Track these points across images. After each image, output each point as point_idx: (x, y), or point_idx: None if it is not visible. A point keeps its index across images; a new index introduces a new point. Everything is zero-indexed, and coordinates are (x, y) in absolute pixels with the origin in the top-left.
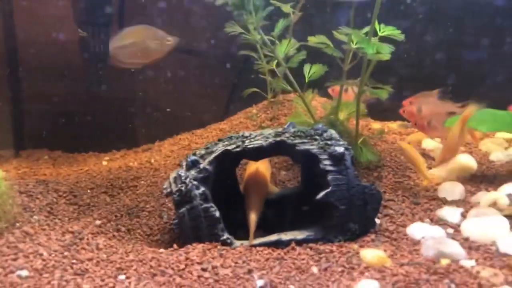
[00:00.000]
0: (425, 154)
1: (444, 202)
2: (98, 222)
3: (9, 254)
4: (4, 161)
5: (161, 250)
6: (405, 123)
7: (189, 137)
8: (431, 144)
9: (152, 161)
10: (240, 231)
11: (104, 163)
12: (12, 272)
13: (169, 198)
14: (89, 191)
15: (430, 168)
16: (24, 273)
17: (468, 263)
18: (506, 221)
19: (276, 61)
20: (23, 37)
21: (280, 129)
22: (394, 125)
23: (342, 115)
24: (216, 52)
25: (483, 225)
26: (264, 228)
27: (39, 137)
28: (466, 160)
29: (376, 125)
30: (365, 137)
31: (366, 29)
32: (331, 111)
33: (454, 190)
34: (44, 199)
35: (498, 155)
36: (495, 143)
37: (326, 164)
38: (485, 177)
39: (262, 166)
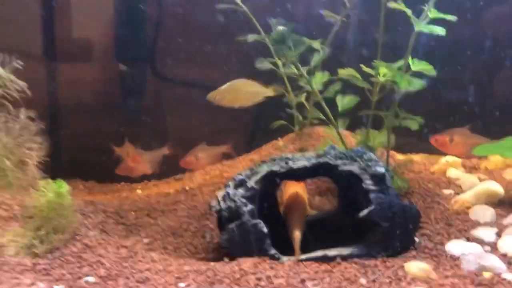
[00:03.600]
0: (450, 183)
1: (477, 224)
2: (146, 240)
3: (74, 263)
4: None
5: (213, 263)
6: (410, 158)
7: (219, 167)
8: (456, 173)
9: (187, 188)
10: (280, 250)
11: (138, 191)
12: (80, 278)
13: (210, 219)
14: (133, 213)
15: (458, 194)
16: (91, 279)
17: (510, 276)
18: None
19: (304, 94)
20: (64, 77)
21: (321, 152)
22: (416, 157)
23: (373, 145)
24: None
25: None
26: (303, 247)
27: (72, 168)
28: (493, 186)
29: (400, 156)
30: (394, 166)
31: (399, 63)
32: (362, 141)
33: (485, 213)
34: (95, 218)
35: None
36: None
37: (368, 183)
38: (511, 202)
39: (300, 189)
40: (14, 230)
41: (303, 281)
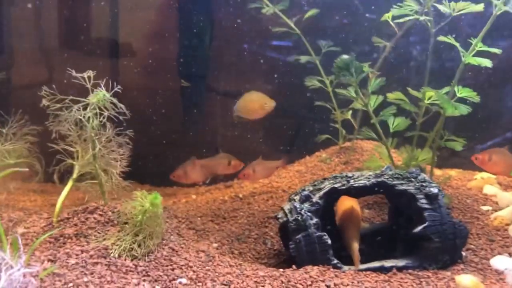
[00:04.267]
0: (487, 199)
1: None
2: (215, 245)
3: (167, 265)
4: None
5: (283, 270)
6: (448, 174)
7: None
8: (492, 190)
9: (240, 196)
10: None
11: (193, 196)
12: (174, 279)
13: (269, 227)
14: (199, 218)
15: (495, 211)
16: (184, 281)
17: None
18: None
19: (350, 111)
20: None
21: (378, 171)
22: (452, 172)
23: (416, 163)
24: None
25: None
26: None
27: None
28: None
29: (438, 171)
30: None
31: (446, 89)
32: (408, 158)
33: None
34: (172, 223)
35: None
36: None
37: (423, 202)
38: None
39: (355, 203)
40: (114, 234)
41: None
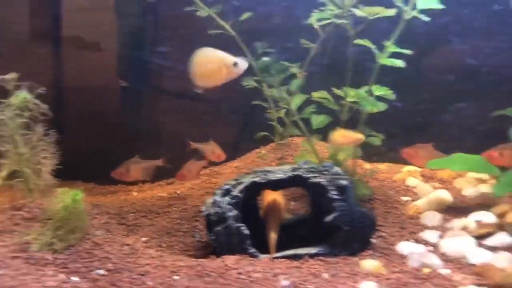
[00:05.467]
0: (409, 190)
1: (426, 227)
2: (144, 239)
3: (86, 258)
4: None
5: (202, 260)
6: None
7: (207, 173)
8: (414, 182)
9: (179, 192)
10: (260, 248)
11: (135, 193)
12: (91, 271)
13: (199, 221)
14: (132, 214)
15: (413, 201)
16: (101, 272)
17: (445, 271)
18: (473, 240)
19: (284, 110)
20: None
21: (295, 166)
22: (382, 165)
23: (341, 156)
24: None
25: (456, 244)
26: (279, 247)
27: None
28: (443, 194)
29: (367, 165)
30: (360, 175)
31: (365, 88)
32: (333, 153)
33: (433, 218)
34: (101, 219)
35: (469, 191)
36: (467, 181)
37: (333, 194)
38: (458, 208)
39: (278, 196)
40: (36, 230)
41: (276, 275)
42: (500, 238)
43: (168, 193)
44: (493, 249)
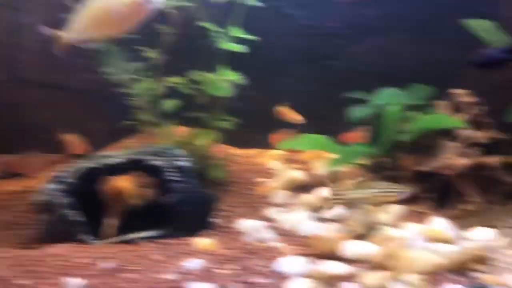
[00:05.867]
0: (268, 172)
1: (273, 205)
2: None
3: None
4: None
5: (24, 250)
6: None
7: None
8: (274, 164)
9: (31, 184)
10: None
11: None
12: None
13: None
14: None
15: (270, 181)
16: None
17: (277, 244)
18: (310, 214)
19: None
20: None
21: (137, 150)
22: (252, 151)
23: (200, 142)
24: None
25: (292, 218)
26: (127, 232)
27: None
28: (296, 174)
29: (234, 150)
30: (218, 159)
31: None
32: (189, 138)
33: (282, 196)
34: None
35: (321, 170)
36: (322, 161)
37: (172, 175)
38: (309, 186)
39: (124, 182)
40: None
41: (103, 258)
42: (335, 210)
43: (22, 188)
44: (327, 220)
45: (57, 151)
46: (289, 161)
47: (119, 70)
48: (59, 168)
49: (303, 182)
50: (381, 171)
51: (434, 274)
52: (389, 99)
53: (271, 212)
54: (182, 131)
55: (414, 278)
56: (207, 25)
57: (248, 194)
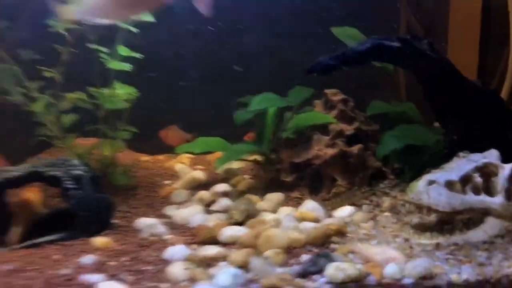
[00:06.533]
0: (173, 175)
1: (172, 203)
2: None
3: None
4: None
5: None
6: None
7: None
8: (180, 167)
9: None
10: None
11: None
12: None
13: None
14: None
15: (174, 183)
16: None
17: (168, 237)
18: (201, 208)
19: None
20: None
21: (36, 163)
22: (161, 156)
23: (107, 151)
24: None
25: (185, 213)
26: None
27: None
28: (196, 174)
29: (145, 157)
30: (125, 166)
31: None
32: (92, 148)
33: (181, 195)
34: None
35: (220, 169)
36: None
37: (68, 183)
38: (209, 184)
39: (29, 194)
40: None
41: (5, 262)
42: (222, 203)
43: None
44: (214, 212)
45: None
46: (196, 163)
47: (18, 88)
48: None
49: (202, 181)
50: (267, 165)
51: (294, 248)
52: (264, 103)
53: (168, 210)
54: (85, 143)
55: (273, 252)
56: (95, 47)
57: (151, 196)
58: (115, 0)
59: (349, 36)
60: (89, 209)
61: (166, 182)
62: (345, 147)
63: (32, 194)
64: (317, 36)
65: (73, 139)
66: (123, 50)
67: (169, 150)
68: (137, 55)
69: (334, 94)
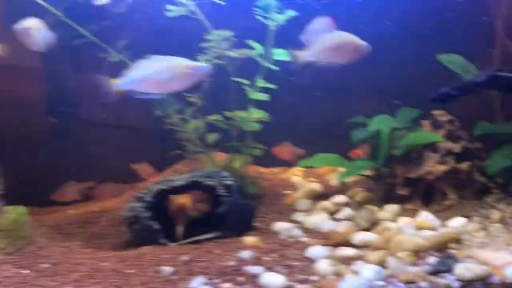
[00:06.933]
0: (292, 186)
1: (298, 211)
2: (78, 243)
3: (33, 257)
4: None
5: (124, 251)
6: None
7: (128, 190)
8: (296, 179)
9: (107, 206)
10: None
11: (70, 211)
12: (38, 264)
13: (123, 226)
14: (67, 225)
15: (294, 193)
16: (46, 265)
17: (304, 239)
18: (327, 216)
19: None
20: None
21: (194, 174)
22: (276, 169)
23: (237, 164)
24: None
25: (314, 219)
26: (189, 237)
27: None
28: (314, 186)
29: (263, 170)
30: (252, 178)
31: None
32: (227, 163)
33: (304, 204)
34: (40, 229)
35: (334, 182)
36: (335, 175)
37: (221, 191)
38: (325, 195)
39: (185, 199)
40: None
41: (180, 254)
42: (345, 212)
43: (99, 208)
44: (340, 220)
45: (124, 179)
46: (309, 175)
47: (172, 112)
48: (139, 190)
49: (319, 192)
50: (380, 179)
51: (419, 252)
52: (381, 124)
53: (297, 216)
54: (221, 157)
55: (404, 254)
56: (238, 79)
57: (277, 204)
58: (337, 46)
59: (454, 62)
60: (237, 213)
61: (286, 192)
62: (455, 164)
63: (186, 199)
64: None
65: (213, 154)
66: (260, 82)
67: (280, 163)
68: (271, 85)
69: (441, 115)
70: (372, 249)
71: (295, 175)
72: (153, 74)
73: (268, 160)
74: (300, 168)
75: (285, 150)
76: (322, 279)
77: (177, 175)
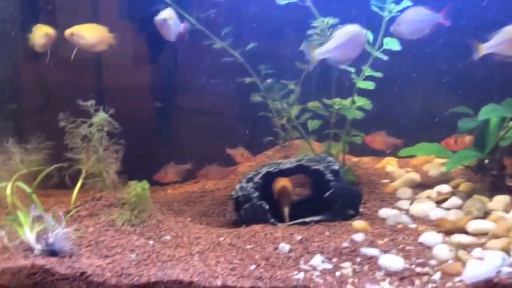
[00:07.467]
0: (387, 175)
1: (400, 199)
2: (188, 219)
3: (155, 229)
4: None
5: (238, 228)
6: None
7: (231, 171)
8: (391, 168)
9: (206, 187)
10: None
11: (169, 191)
12: (162, 237)
13: (227, 205)
14: (175, 203)
15: (391, 182)
16: (168, 237)
17: (413, 225)
18: (433, 204)
19: (285, 118)
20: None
21: (299, 158)
22: (367, 158)
23: (333, 151)
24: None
25: (421, 207)
26: (291, 219)
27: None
28: (413, 176)
29: (354, 158)
30: (348, 165)
31: (349, 99)
32: (326, 149)
33: (405, 192)
34: (156, 206)
35: (433, 172)
36: (432, 165)
37: (329, 176)
38: (424, 185)
39: (287, 182)
40: (116, 212)
41: (292, 234)
42: (452, 201)
43: (198, 189)
44: (447, 209)
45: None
46: (403, 165)
47: (276, 98)
48: (249, 171)
49: (418, 182)
50: (483, 171)
51: None
52: (491, 113)
53: (400, 204)
54: (315, 144)
55: None
56: (347, 68)
57: (377, 192)
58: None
59: None
60: (345, 198)
61: (384, 181)
62: None
63: (287, 182)
64: None
65: (311, 140)
66: (367, 71)
67: (370, 153)
68: (378, 74)
69: None
70: (490, 237)
71: (389, 164)
72: (344, 43)
73: (357, 149)
74: (394, 158)
75: (379, 139)
76: (442, 263)
77: (277, 160)
